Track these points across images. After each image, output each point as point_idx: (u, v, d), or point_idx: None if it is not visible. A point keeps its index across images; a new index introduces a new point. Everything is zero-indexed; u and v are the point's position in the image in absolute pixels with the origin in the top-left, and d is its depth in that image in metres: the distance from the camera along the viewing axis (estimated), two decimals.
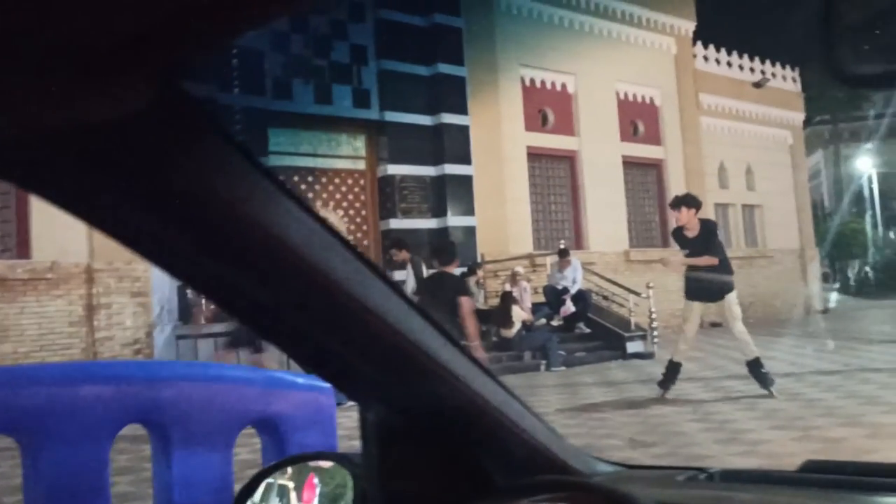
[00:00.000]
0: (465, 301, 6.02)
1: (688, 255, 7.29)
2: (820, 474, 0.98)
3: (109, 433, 1.85)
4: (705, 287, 7.24)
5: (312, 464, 1.14)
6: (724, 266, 7.34)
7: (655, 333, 12.08)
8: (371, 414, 0.86)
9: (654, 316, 12.12)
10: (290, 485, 1.11)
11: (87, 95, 0.44)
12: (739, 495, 0.96)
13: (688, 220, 7.27)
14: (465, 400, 0.80)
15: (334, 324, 0.68)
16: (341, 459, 1.06)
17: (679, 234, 7.47)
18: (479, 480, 0.85)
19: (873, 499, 0.88)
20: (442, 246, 6.14)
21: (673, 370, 7.52)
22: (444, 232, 13.15)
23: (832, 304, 19.43)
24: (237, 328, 7.38)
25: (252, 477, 1.12)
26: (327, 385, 2.21)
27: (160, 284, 11.03)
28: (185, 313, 11.25)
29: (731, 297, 7.30)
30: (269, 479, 1.11)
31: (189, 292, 11.14)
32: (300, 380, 2.19)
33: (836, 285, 22.35)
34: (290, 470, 1.11)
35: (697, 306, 7.47)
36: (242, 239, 0.57)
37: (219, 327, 10.86)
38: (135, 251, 0.58)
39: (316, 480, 1.06)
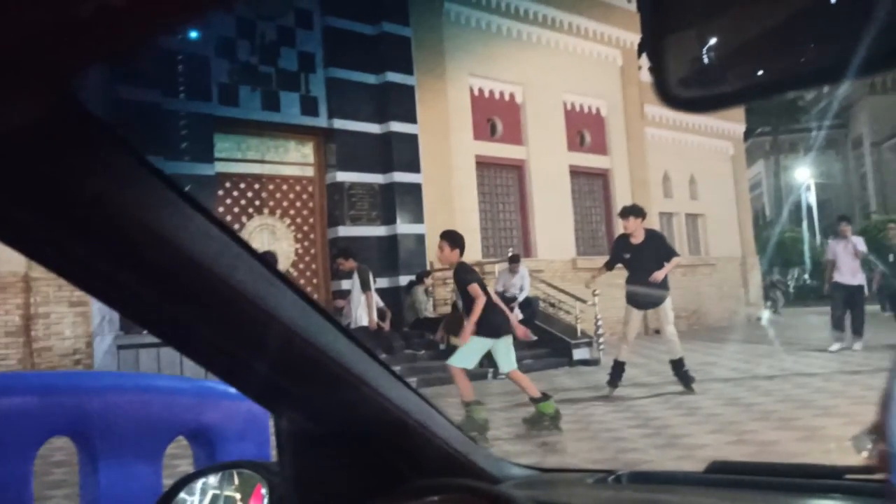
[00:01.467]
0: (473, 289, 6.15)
1: (630, 259, 7.84)
2: (725, 475, 1.01)
3: (32, 446, 1.82)
4: (644, 294, 7.75)
5: (239, 472, 1.13)
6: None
7: (601, 340, 12.25)
8: (285, 422, 0.88)
9: (599, 323, 12.29)
10: (237, 496, 1.11)
11: None
12: (646, 496, 1.00)
13: (635, 228, 7.85)
14: (379, 407, 0.82)
15: (244, 333, 0.69)
16: (257, 467, 1.07)
17: (624, 240, 8.00)
18: (394, 486, 0.87)
19: (776, 498, 0.92)
20: (460, 236, 6.30)
21: (618, 369, 8.08)
22: (392, 239, 13.15)
23: (763, 318, 19.89)
24: None
25: (166, 490, 1.11)
26: None
27: None
28: (127, 323, 11.01)
29: (667, 303, 7.96)
30: (216, 490, 1.11)
31: None
32: (232, 389, 2.17)
33: (773, 301, 22.83)
34: (237, 480, 1.11)
35: (637, 311, 8.05)
36: (144, 249, 0.57)
37: None
38: (39, 263, 0.58)
39: (264, 491, 1.05)
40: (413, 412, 0.87)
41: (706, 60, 0.48)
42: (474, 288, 6.10)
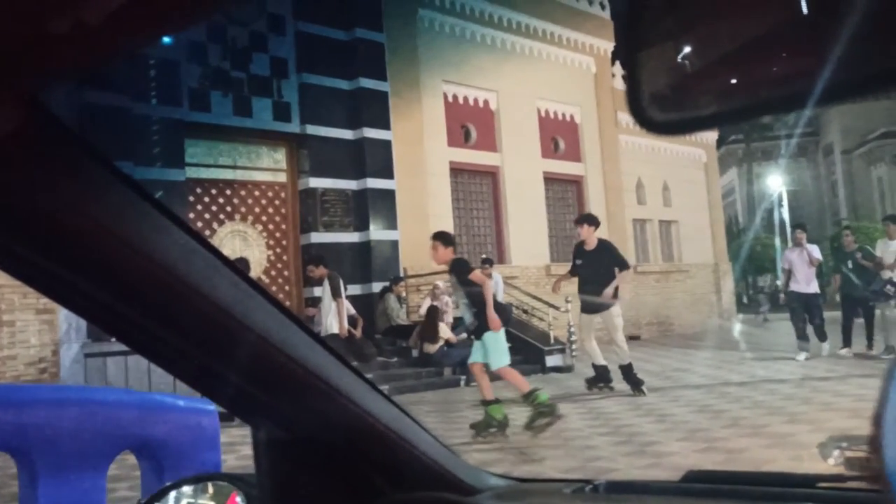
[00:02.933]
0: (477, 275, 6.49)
1: (582, 266, 8.26)
2: (701, 484, 1.02)
3: None
4: (594, 301, 8.12)
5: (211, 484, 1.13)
6: (610, 280, 8.16)
7: (574, 347, 12.25)
8: (262, 433, 0.88)
9: (572, 330, 12.30)
10: None
11: None
12: (627, 501, 1.02)
13: (587, 235, 8.26)
14: (355, 418, 0.82)
15: (219, 344, 0.69)
16: (234, 479, 1.07)
17: (579, 248, 8.39)
18: (370, 497, 0.87)
19: None
20: (452, 235, 7.04)
21: (602, 372, 8.58)
22: (366, 246, 13.08)
23: (738, 326, 19.98)
24: None
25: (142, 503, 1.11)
26: (210, 407, 2.15)
27: None
28: (95, 331, 10.84)
29: (615, 310, 8.21)
30: (190, 500, 1.10)
31: None
32: (181, 402, 2.12)
33: (761, 306, 22.93)
34: (210, 489, 1.11)
35: (587, 316, 8.46)
36: (118, 260, 0.57)
37: None
38: (10, 275, 0.57)
39: (239, 499, 1.05)
40: (390, 423, 0.86)
41: (681, 84, 0.49)
42: (477, 274, 6.46)
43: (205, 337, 0.67)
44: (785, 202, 38.14)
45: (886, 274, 10.06)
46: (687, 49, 0.48)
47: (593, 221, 8.35)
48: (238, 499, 1.05)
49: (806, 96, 0.41)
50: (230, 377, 0.72)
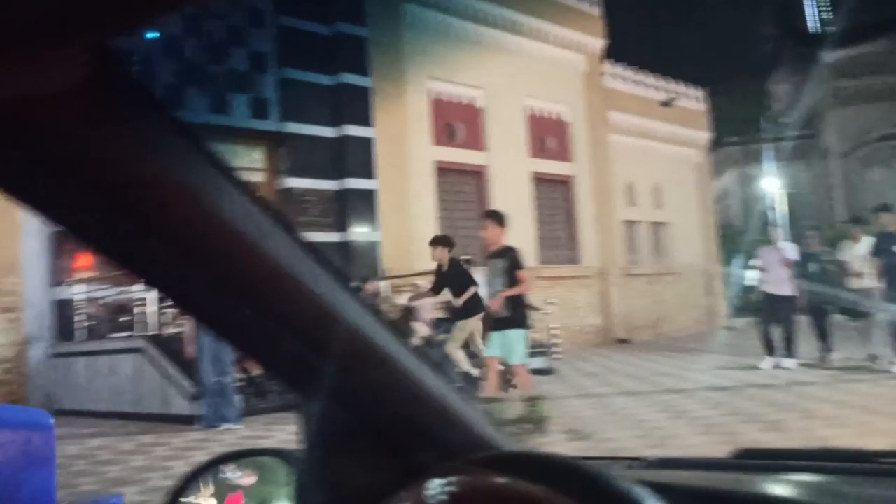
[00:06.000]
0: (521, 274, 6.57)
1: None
2: (754, 460, 1.03)
3: None
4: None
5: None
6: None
7: (556, 350, 12.00)
8: (313, 406, 0.86)
9: (553, 332, 12.04)
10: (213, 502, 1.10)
11: (14, 69, 0.45)
12: (680, 476, 0.99)
13: (440, 257, 8.68)
14: (407, 390, 0.81)
15: (278, 312, 0.67)
16: (279, 454, 1.08)
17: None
18: (419, 469, 0.80)
19: (807, 481, 0.93)
20: (505, 215, 7.11)
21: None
22: (345, 247, 12.81)
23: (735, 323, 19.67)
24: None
25: (186, 475, 1.08)
26: (46, 421, 1.86)
27: (34, 299, 10.33)
28: (63, 330, 10.58)
29: (457, 325, 8.66)
30: (189, 499, 1.10)
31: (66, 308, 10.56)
32: (11, 413, 1.83)
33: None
34: (211, 488, 1.10)
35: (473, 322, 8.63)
36: (183, 221, 0.57)
37: (95, 345, 10.24)
38: (70, 233, 0.56)
39: (245, 500, 1.06)
40: (440, 395, 0.84)
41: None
42: (525, 273, 6.50)
43: (263, 301, 0.65)
44: (779, 204, 37.96)
45: (853, 283, 9.52)
46: None
47: (447, 243, 8.82)
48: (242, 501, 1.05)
49: None
50: (286, 345, 0.71)
